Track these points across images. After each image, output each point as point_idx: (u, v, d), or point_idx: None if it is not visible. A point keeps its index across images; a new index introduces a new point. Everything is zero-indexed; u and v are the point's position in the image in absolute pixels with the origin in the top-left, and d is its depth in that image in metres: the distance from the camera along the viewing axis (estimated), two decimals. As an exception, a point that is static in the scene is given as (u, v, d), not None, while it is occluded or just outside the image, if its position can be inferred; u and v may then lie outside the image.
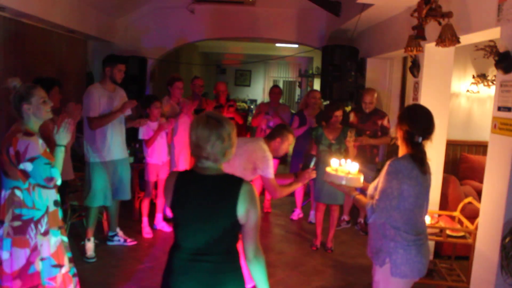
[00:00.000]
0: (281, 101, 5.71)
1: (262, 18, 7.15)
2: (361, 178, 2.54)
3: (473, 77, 5.41)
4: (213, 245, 1.87)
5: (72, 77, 5.87)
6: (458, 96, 5.45)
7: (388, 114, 5.15)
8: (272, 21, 7.18)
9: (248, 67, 16.20)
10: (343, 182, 2.51)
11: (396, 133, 2.40)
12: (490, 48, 4.67)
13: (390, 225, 2.27)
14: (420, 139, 2.27)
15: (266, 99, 5.71)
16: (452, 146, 5.27)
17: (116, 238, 4.47)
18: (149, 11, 7.05)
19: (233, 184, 1.88)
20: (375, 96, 4.95)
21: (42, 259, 2.47)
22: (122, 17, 6.93)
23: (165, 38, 7.18)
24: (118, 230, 4.48)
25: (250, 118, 6.09)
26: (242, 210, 1.84)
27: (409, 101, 4.44)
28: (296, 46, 9.30)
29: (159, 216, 4.98)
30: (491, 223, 2.89)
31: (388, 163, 2.29)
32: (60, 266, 2.53)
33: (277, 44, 10.29)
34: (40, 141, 2.45)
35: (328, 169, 2.63)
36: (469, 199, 3.56)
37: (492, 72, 5.21)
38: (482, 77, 5.35)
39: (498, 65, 2.81)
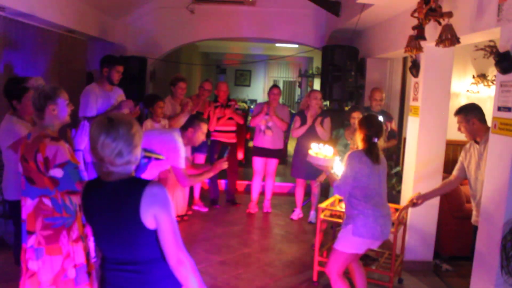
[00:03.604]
0: (280, 101, 5.70)
1: (262, 18, 7.15)
2: (335, 159, 3.24)
3: (473, 77, 5.40)
4: (133, 254, 1.75)
5: (72, 77, 5.86)
6: (458, 96, 5.45)
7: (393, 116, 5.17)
8: (272, 21, 7.17)
9: (248, 67, 16.20)
10: (321, 163, 3.18)
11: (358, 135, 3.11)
12: (490, 48, 4.66)
13: (354, 198, 3.01)
14: (376, 139, 3.03)
15: (266, 99, 5.69)
16: (452, 146, 5.26)
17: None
18: (149, 11, 7.04)
19: (134, 188, 1.72)
20: (384, 96, 4.97)
21: (75, 266, 2.44)
22: (122, 17, 6.92)
23: (165, 38, 7.18)
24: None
25: (250, 118, 6.08)
26: (149, 217, 1.69)
27: (409, 101, 4.44)
28: (296, 46, 9.30)
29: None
30: (491, 223, 2.89)
31: (347, 154, 3.06)
32: (90, 273, 2.52)
33: (277, 44, 10.28)
34: (67, 146, 2.42)
35: (310, 152, 3.27)
36: (416, 194, 3.60)
37: (492, 72, 5.20)
38: (482, 77, 5.34)
39: (498, 65, 2.81)
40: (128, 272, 1.75)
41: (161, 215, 1.70)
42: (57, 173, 2.32)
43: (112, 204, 1.73)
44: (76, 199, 2.51)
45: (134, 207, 1.69)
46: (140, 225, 1.69)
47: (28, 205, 2.40)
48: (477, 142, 3.29)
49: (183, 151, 3.43)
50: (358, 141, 3.12)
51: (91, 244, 4.09)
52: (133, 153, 1.76)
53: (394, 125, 5.01)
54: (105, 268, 1.82)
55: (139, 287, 1.75)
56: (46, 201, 2.37)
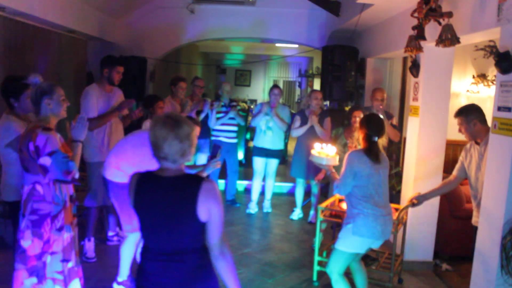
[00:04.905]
0: (280, 101, 5.70)
1: (262, 18, 7.15)
2: (337, 158, 3.26)
3: (473, 77, 5.40)
4: (179, 245, 1.88)
5: (72, 77, 5.87)
6: (458, 96, 5.44)
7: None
8: (272, 21, 7.17)
9: (248, 67, 16.19)
10: (324, 162, 3.21)
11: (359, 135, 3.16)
12: (490, 48, 4.66)
13: (354, 197, 3.03)
14: (376, 138, 3.04)
15: (266, 99, 5.72)
16: (452, 146, 5.26)
17: (116, 238, 4.47)
18: (149, 11, 7.05)
19: (191, 184, 1.87)
20: (385, 96, 4.97)
21: (51, 253, 2.59)
22: (122, 17, 6.93)
23: (165, 38, 7.18)
24: (118, 230, 4.48)
25: (250, 118, 6.08)
26: (203, 210, 1.84)
27: (409, 101, 4.44)
28: (296, 46, 9.29)
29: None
30: (491, 223, 2.89)
31: (347, 154, 3.09)
32: (67, 260, 2.66)
33: (277, 44, 10.29)
34: (58, 136, 2.57)
35: (312, 151, 3.31)
36: (415, 194, 3.60)
37: (492, 72, 5.20)
38: (482, 77, 5.34)
39: (498, 65, 2.81)
40: (170, 262, 1.88)
41: (214, 208, 1.86)
42: (46, 161, 2.47)
43: (169, 197, 1.87)
44: (66, 189, 2.66)
45: (192, 201, 1.83)
46: (194, 217, 1.84)
47: (24, 191, 2.59)
48: (477, 143, 3.29)
49: None
50: (359, 140, 3.15)
51: (91, 244, 4.12)
52: (191, 153, 1.94)
53: (395, 121, 5.00)
54: (146, 258, 1.93)
55: (178, 274, 1.88)
56: (39, 187, 2.55)
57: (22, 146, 2.54)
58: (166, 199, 1.87)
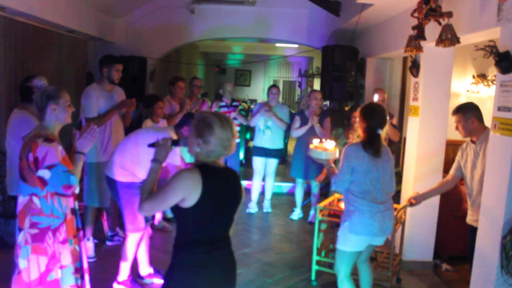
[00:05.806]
0: (280, 100, 5.70)
1: (262, 18, 7.15)
2: (337, 152, 3.16)
3: (473, 77, 5.40)
4: (225, 232, 2.09)
5: (72, 77, 5.87)
6: (458, 96, 5.44)
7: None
8: (272, 21, 7.17)
9: (248, 67, 16.19)
10: (323, 156, 3.14)
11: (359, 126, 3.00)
12: (490, 48, 4.66)
13: (351, 194, 2.94)
14: (379, 131, 2.89)
15: (266, 98, 5.73)
16: (452, 146, 5.25)
17: (116, 238, 4.48)
18: (149, 11, 7.05)
19: (236, 173, 2.14)
20: (386, 96, 4.96)
21: (61, 267, 2.46)
22: (122, 17, 6.93)
23: (165, 38, 7.18)
24: (118, 230, 4.48)
25: (249, 118, 6.08)
26: (243, 195, 2.14)
27: (409, 101, 4.44)
28: (296, 46, 9.29)
29: (159, 216, 4.99)
30: (491, 223, 2.89)
31: (344, 148, 2.98)
32: (82, 276, 2.54)
33: (277, 44, 10.29)
34: (60, 148, 2.43)
35: (311, 146, 3.26)
36: (414, 194, 3.60)
37: (492, 72, 5.20)
38: (482, 77, 5.34)
39: (498, 65, 2.81)
40: (219, 249, 2.05)
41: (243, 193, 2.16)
42: (45, 174, 2.35)
43: (230, 185, 2.09)
44: (67, 202, 2.52)
45: (241, 189, 2.13)
46: (240, 201, 2.13)
47: (20, 202, 2.44)
48: (473, 142, 3.30)
49: (177, 149, 3.43)
50: (359, 132, 3.01)
51: (91, 244, 4.12)
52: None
53: (395, 121, 5.01)
54: (195, 253, 1.99)
55: (226, 258, 2.08)
56: (36, 200, 2.42)
57: (21, 154, 2.41)
58: (229, 187, 2.07)
